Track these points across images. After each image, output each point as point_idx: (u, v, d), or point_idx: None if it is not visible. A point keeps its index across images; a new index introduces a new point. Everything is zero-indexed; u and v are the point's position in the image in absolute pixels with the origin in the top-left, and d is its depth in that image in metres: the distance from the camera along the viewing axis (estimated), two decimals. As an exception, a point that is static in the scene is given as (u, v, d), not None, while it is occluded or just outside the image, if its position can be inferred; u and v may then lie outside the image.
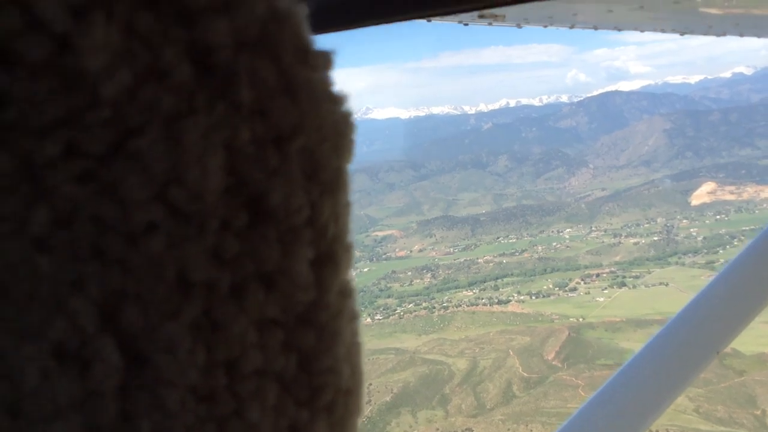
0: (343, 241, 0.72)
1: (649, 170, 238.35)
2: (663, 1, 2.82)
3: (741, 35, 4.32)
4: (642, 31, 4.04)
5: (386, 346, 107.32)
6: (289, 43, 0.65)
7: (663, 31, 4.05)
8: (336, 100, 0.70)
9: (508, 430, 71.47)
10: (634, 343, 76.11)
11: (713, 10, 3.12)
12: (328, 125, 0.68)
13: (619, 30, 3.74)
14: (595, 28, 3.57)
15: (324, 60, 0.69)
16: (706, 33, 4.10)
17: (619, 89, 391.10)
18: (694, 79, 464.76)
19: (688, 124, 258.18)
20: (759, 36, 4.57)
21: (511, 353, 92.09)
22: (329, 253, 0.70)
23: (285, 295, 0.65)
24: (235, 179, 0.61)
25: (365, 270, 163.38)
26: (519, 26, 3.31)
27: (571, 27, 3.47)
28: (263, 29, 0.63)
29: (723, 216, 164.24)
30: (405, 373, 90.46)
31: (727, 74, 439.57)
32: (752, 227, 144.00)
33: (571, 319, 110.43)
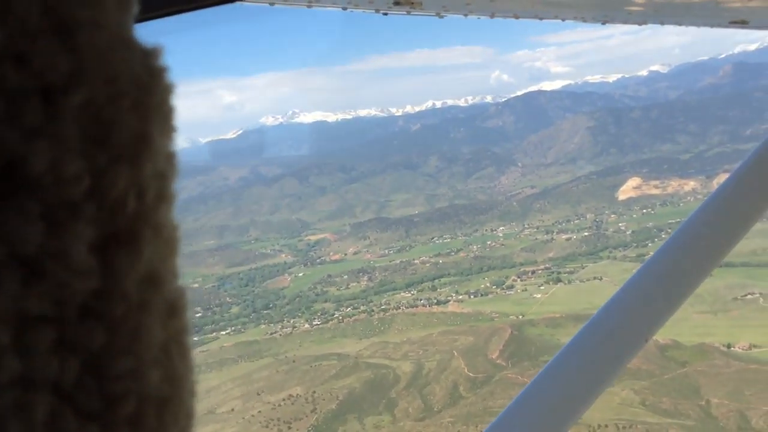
0: (150, 219, 0.61)
1: (576, 167, 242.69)
2: None
3: (661, 23, 4.24)
4: (563, 19, 3.78)
5: (327, 351, 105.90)
6: None
7: (584, 20, 3.85)
8: (137, 50, 0.60)
9: (458, 431, 71.07)
10: (575, 339, 76.37)
11: None
12: (124, 78, 0.58)
13: (540, 18, 3.58)
14: (516, 16, 3.41)
15: (119, 3, 0.59)
16: (626, 21, 3.98)
17: (541, 89, 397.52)
18: (612, 78, 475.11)
19: (610, 122, 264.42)
20: (679, 24, 4.51)
21: (456, 354, 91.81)
22: (126, 233, 0.59)
23: (55, 283, 0.53)
24: None
25: (300, 275, 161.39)
26: (439, 15, 3.21)
27: (492, 16, 3.34)
28: None
29: (649, 210, 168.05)
30: (349, 379, 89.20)
31: (644, 72, 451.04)
32: (678, 220, 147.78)
33: (511, 317, 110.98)
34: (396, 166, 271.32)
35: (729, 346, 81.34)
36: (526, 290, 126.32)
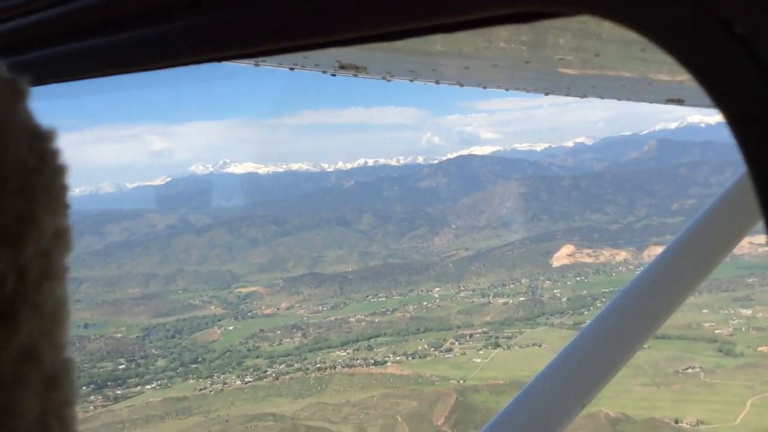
0: (30, 298, 0.61)
1: (508, 231, 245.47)
2: (516, 61, 2.84)
3: (601, 97, 4.31)
4: (506, 89, 3.94)
5: (262, 411, 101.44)
6: None
7: (526, 90, 4.03)
8: (25, 135, 0.59)
9: (405, 503, 67.99)
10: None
11: (570, 71, 3.17)
12: (9, 164, 0.58)
13: (484, 87, 3.73)
14: (460, 84, 3.57)
15: (9, 88, 0.58)
16: (567, 94, 4.09)
17: (472, 153, 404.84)
18: (539, 147, 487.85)
19: (542, 189, 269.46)
20: (618, 99, 4.55)
21: (399, 419, 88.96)
22: (3, 312, 0.59)
23: None
24: None
25: (230, 328, 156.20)
26: (386, 79, 3.29)
27: (437, 82, 3.47)
28: None
29: (583, 278, 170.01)
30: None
31: (570, 144, 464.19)
32: (611, 289, 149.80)
33: (452, 381, 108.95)
34: (329, 221, 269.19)
35: (677, 422, 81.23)
36: (465, 354, 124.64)
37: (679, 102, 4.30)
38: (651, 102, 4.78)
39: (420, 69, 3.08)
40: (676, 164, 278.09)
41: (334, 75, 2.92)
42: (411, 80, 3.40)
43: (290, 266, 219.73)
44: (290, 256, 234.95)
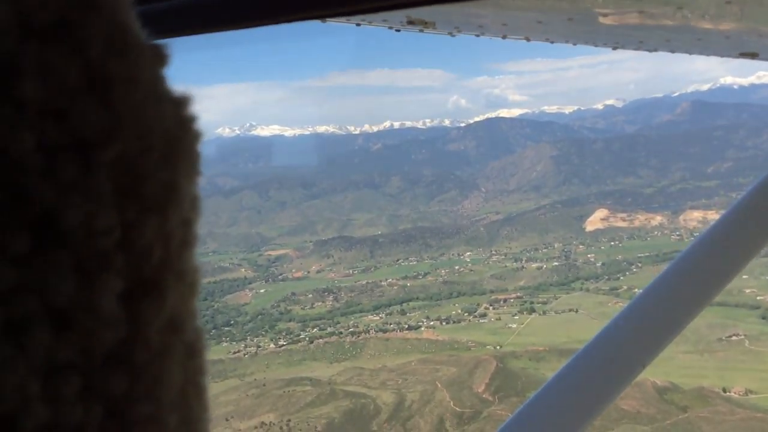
0: (175, 267, 0.63)
1: (539, 195, 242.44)
2: (591, 16, 2.90)
3: (672, 51, 4.37)
4: (574, 44, 3.99)
5: (297, 375, 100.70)
6: (99, 32, 0.55)
7: (595, 44, 4.03)
8: (169, 102, 0.61)
9: (447, 471, 67.03)
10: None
11: (647, 22, 3.25)
12: (157, 132, 0.59)
13: (551, 42, 3.80)
14: (527, 39, 3.60)
15: (153, 54, 0.60)
16: (637, 48, 4.16)
17: (500, 116, 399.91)
18: (568, 109, 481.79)
19: (573, 152, 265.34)
20: (689, 53, 4.58)
21: (439, 385, 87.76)
22: (152, 282, 0.60)
23: (84, 333, 0.54)
24: (12, 193, 0.50)
25: (261, 291, 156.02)
26: (451, 34, 3.36)
27: (504, 37, 3.51)
28: (62, 13, 0.52)
29: (617, 243, 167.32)
30: (326, 408, 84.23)
31: (599, 106, 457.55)
32: (647, 254, 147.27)
33: (488, 347, 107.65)
34: (357, 184, 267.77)
35: (725, 391, 79.33)
36: (500, 319, 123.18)
37: (753, 56, 4.05)
38: (723, 56, 4.56)
39: (488, 24, 3.11)
40: (710, 127, 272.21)
41: (398, 31, 2.91)
42: (478, 35, 3.33)
43: (320, 229, 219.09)
44: (319, 219, 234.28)
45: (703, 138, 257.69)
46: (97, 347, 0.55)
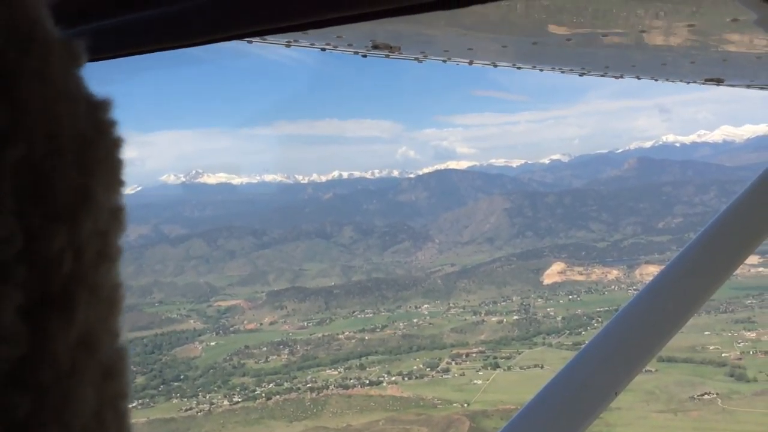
0: (88, 281, 0.58)
1: (493, 247, 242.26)
2: (556, 40, 2.94)
3: (638, 77, 4.53)
4: (540, 69, 4.05)
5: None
6: (2, 25, 0.51)
7: (562, 70, 4.11)
8: (84, 103, 0.57)
9: None
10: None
11: (611, 48, 3.36)
12: (68, 133, 0.55)
13: (518, 68, 3.88)
14: (494, 65, 3.67)
15: (66, 51, 0.55)
16: (604, 73, 4.27)
17: (448, 168, 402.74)
18: (515, 162, 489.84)
19: (525, 205, 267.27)
20: (655, 79, 4.72)
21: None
22: (60, 296, 0.55)
23: None
24: None
25: (212, 344, 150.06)
26: (418, 60, 3.38)
27: (470, 63, 3.55)
28: None
29: (575, 296, 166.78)
30: (292, 473, 79.12)
31: (546, 160, 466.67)
32: (606, 308, 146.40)
33: (455, 404, 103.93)
34: (309, 234, 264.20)
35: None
36: (464, 375, 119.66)
37: (719, 81, 4.22)
38: (689, 82, 4.62)
39: (455, 48, 3.13)
40: (657, 182, 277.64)
41: (365, 56, 2.93)
42: (445, 60, 3.39)
43: (271, 279, 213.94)
44: (271, 269, 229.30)
45: (651, 193, 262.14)
46: None
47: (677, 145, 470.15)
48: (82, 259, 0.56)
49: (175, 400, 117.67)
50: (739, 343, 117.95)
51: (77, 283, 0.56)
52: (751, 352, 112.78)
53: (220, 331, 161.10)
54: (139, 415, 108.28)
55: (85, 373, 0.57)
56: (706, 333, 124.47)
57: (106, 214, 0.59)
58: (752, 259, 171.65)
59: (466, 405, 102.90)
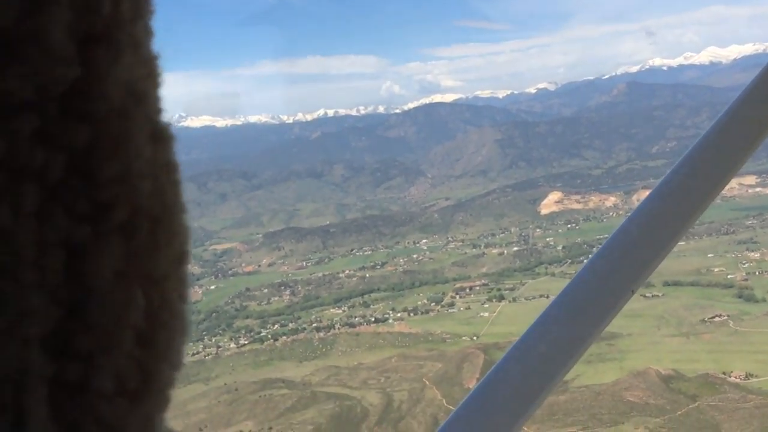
0: (126, 29, 0.62)
1: (487, 180, 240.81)
2: None
3: None
4: None
5: (267, 376, 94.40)
6: None
7: None
8: None
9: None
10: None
11: None
12: None
13: None
14: None
15: None
16: None
17: (434, 101, 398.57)
18: (501, 93, 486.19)
19: (516, 136, 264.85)
20: None
21: (427, 383, 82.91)
22: (104, 35, 0.59)
23: (36, 67, 0.53)
24: None
25: (212, 288, 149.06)
26: None
27: None
28: None
29: (573, 225, 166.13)
30: (309, 413, 78.31)
31: (532, 90, 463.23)
32: (605, 235, 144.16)
33: (464, 338, 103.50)
34: (299, 174, 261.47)
35: (725, 375, 77.04)
36: (469, 308, 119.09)
37: None
38: None
39: None
40: (648, 107, 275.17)
41: None
42: None
43: (265, 221, 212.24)
44: (264, 210, 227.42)
45: (643, 118, 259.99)
46: (52, 86, 0.54)
47: (664, 68, 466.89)
48: (120, 8, 0.59)
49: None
50: (743, 264, 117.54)
51: (118, 28, 0.58)
52: (756, 273, 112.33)
53: (219, 275, 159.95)
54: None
55: (137, 120, 0.61)
56: (710, 255, 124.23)
57: None
58: (750, 180, 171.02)
59: (475, 338, 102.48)
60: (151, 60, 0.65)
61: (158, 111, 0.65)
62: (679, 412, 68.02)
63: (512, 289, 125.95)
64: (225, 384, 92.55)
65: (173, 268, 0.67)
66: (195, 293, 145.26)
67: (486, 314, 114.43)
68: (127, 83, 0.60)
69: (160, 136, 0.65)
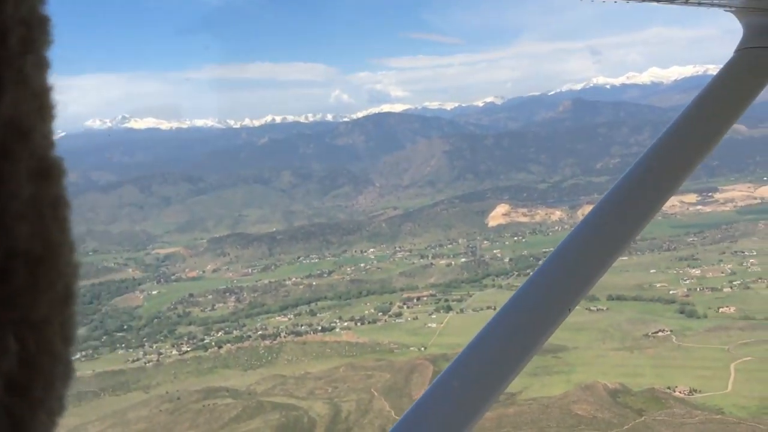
0: (13, 64, 0.60)
1: (435, 190, 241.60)
2: None
3: None
4: None
5: (211, 385, 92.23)
6: None
7: None
8: None
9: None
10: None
11: None
12: None
13: None
14: None
15: None
16: None
17: (383, 111, 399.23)
18: (449, 105, 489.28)
19: (465, 148, 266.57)
20: None
21: (376, 393, 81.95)
22: None
23: None
24: None
25: (154, 293, 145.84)
26: None
27: None
28: None
29: (520, 237, 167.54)
30: (255, 422, 76.53)
31: (480, 103, 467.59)
32: (551, 248, 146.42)
33: (412, 349, 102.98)
34: (246, 179, 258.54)
35: (670, 390, 77.95)
36: (417, 318, 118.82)
37: None
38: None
39: None
40: (592, 124, 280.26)
41: None
42: None
43: (210, 226, 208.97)
44: (209, 215, 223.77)
45: (587, 135, 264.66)
46: None
47: (608, 86, 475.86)
48: (7, 44, 0.56)
49: (120, 351, 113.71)
50: (685, 281, 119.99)
51: (3, 64, 0.55)
52: (697, 289, 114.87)
53: (161, 280, 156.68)
54: (84, 367, 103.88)
55: (16, 158, 0.57)
56: (652, 271, 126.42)
57: (27, 7, 0.59)
58: (691, 198, 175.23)
59: (423, 349, 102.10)
60: (42, 93, 0.62)
61: (47, 146, 0.63)
62: (626, 427, 68.58)
63: (460, 300, 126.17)
64: (167, 392, 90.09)
65: (56, 311, 0.64)
66: (136, 298, 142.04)
67: (434, 325, 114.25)
68: (9, 120, 0.57)
69: (47, 172, 0.62)
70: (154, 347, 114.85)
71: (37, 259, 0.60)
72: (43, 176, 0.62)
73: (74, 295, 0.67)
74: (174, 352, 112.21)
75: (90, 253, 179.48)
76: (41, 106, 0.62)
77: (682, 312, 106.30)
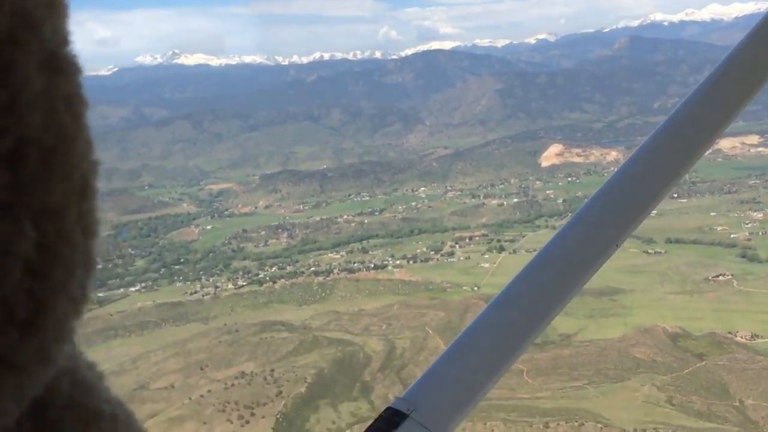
0: None
1: (486, 129, 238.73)
2: None
3: None
4: None
5: (266, 319, 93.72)
6: None
7: None
8: None
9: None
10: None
11: None
12: None
13: None
14: None
15: None
16: None
17: (432, 48, 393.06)
18: (500, 43, 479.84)
19: (517, 86, 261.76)
20: None
21: (430, 332, 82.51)
22: None
23: None
24: None
25: (209, 228, 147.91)
26: None
27: None
28: None
29: (574, 178, 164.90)
30: (311, 356, 77.79)
31: (532, 40, 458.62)
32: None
33: (464, 288, 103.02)
34: (296, 116, 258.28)
35: (731, 335, 76.91)
36: (469, 258, 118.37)
37: None
38: None
39: None
40: (650, 62, 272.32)
41: None
42: None
43: (262, 162, 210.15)
44: (260, 152, 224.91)
45: (644, 73, 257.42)
46: None
47: (665, 23, 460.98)
48: None
49: (178, 284, 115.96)
50: (746, 224, 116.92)
51: None
52: (760, 233, 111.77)
53: (215, 215, 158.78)
54: (144, 298, 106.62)
55: (25, 47, 0.59)
56: (712, 214, 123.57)
57: None
58: (753, 139, 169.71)
59: (476, 288, 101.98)
60: None
61: (59, 41, 0.63)
62: (687, 370, 67.96)
63: (512, 241, 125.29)
64: (225, 324, 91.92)
65: (72, 202, 0.65)
66: (191, 232, 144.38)
67: (486, 265, 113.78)
68: (16, 9, 0.58)
69: (59, 67, 0.63)
70: (211, 281, 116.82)
71: (50, 148, 0.61)
72: (54, 70, 0.62)
73: (92, 190, 0.67)
74: (230, 285, 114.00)
75: (146, 188, 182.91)
76: (52, 1, 0.62)
77: (743, 256, 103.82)
